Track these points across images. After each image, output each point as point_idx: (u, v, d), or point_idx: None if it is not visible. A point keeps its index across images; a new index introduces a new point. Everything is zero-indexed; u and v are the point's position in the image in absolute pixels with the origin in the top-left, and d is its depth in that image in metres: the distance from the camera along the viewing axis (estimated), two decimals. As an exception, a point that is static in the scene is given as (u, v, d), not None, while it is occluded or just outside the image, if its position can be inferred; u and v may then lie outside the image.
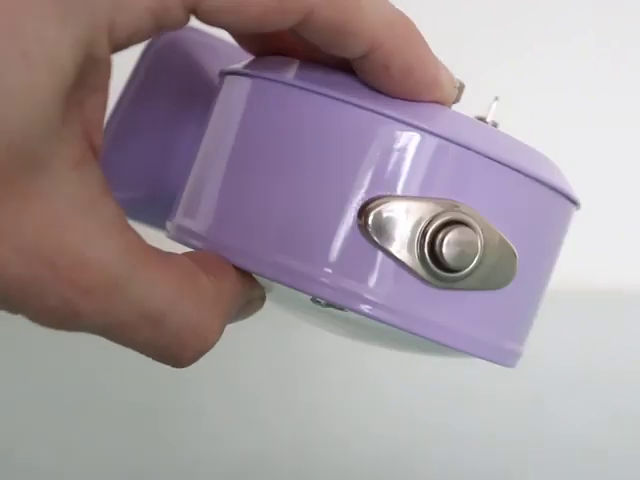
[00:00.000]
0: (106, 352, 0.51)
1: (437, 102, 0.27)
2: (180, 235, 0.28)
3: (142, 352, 0.25)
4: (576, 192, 0.29)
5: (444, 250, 0.25)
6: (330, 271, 0.26)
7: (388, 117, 0.26)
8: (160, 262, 0.24)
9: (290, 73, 0.27)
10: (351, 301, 0.26)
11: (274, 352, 0.59)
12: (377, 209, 0.26)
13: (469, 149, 0.26)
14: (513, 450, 0.49)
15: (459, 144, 0.26)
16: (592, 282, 0.67)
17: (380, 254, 0.26)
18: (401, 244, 0.25)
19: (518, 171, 0.27)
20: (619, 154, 0.65)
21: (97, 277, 0.22)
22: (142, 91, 0.35)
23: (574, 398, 0.54)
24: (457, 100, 0.28)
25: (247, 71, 0.28)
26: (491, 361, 0.28)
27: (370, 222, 0.25)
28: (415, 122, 0.26)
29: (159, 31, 0.23)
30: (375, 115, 0.26)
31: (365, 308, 0.26)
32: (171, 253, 0.25)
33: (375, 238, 0.25)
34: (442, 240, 0.25)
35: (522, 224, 0.27)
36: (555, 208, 0.28)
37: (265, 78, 0.27)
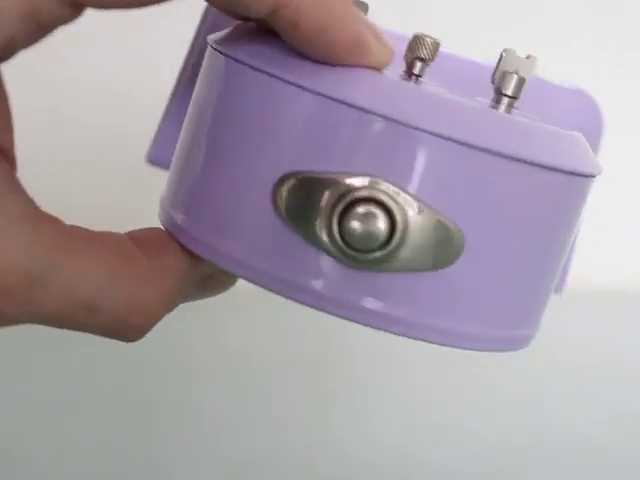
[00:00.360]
0: (106, 352, 0.51)
1: (367, 66, 0.25)
2: (162, 219, 0.28)
3: (87, 332, 0.25)
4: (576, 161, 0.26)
5: (350, 229, 0.24)
6: (249, 253, 0.25)
7: (296, 85, 0.24)
8: (86, 248, 0.24)
9: (239, 45, 0.26)
10: (267, 281, 0.25)
11: (274, 352, 0.59)
12: (289, 186, 0.24)
13: (391, 120, 0.24)
14: (513, 450, 0.49)
15: (381, 115, 0.24)
16: (593, 282, 0.67)
17: (296, 235, 0.24)
18: (314, 223, 0.24)
19: (457, 142, 0.24)
20: (619, 154, 0.65)
21: (10, 278, 0.22)
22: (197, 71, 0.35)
23: (574, 398, 0.54)
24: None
25: (210, 43, 0.27)
26: (426, 341, 0.26)
27: (283, 201, 0.24)
28: (326, 90, 0.24)
29: (49, 30, 0.23)
30: (283, 83, 0.24)
31: (281, 288, 0.25)
32: (104, 234, 0.25)
33: (288, 218, 0.24)
34: (350, 219, 0.24)
35: (470, 200, 0.24)
36: (522, 180, 0.25)
37: (215, 49, 0.26)
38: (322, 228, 0.24)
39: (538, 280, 0.27)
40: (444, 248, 0.24)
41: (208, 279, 0.28)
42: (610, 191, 0.65)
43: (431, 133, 0.24)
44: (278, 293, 0.25)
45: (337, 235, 0.24)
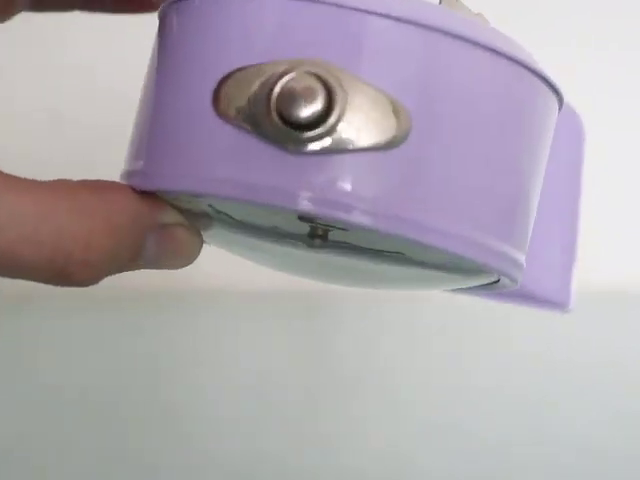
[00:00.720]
0: (107, 352, 0.51)
1: None
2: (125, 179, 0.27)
3: (34, 277, 0.25)
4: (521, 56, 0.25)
5: (289, 109, 0.23)
6: (201, 166, 0.25)
7: None
8: (22, 188, 0.24)
9: None
10: (225, 188, 0.24)
11: (273, 352, 0.59)
12: (227, 89, 0.24)
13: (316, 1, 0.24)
14: (513, 450, 0.49)
15: None
16: (593, 282, 0.67)
17: (246, 135, 0.24)
18: (257, 118, 0.24)
19: (394, 18, 0.24)
20: (619, 154, 0.65)
21: None
22: None
23: (574, 398, 0.54)
24: None
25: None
26: (381, 233, 0.24)
27: (225, 105, 0.24)
28: None
29: None
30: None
31: (239, 193, 0.24)
32: (49, 181, 0.25)
33: (232, 118, 0.24)
34: (288, 100, 0.23)
35: (411, 76, 0.24)
36: (468, 62, 0.25)
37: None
38: (265, 119, 0.24)
39: (506, 184, 0.26)
40: (389, 125, 0.24)
41: (167, 234, 0.27)
42: (610, 191, 0.65)
43: (365, 11, 0.24)
44: (238, 198, 0.24)
45: (278, 120, 0.23)
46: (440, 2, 0.27)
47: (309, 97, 0.23)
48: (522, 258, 0.27)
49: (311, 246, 0.28)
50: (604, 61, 0.64)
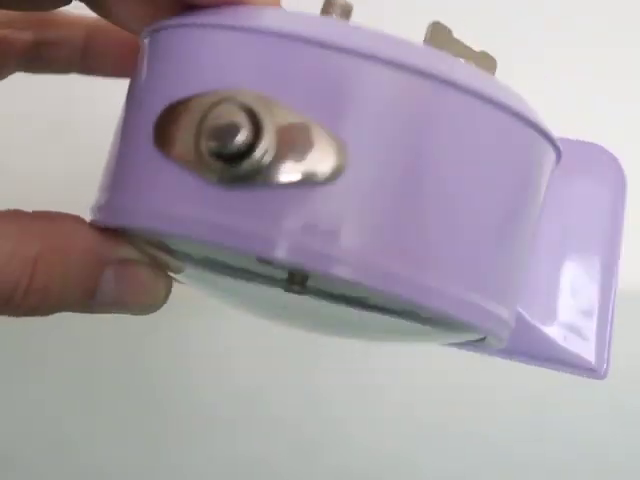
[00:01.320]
0: (107, 352, 0.51)
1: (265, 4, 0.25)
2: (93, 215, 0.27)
3: None
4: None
5: (216, 141, 0.22)
6: (142, 201, 0.24)
7: (155, 30, 0.25)
8: None
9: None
10: (165, 223, 0.23)
11: (273, 353, 0.59)
12: (162, 122, 0.24)
13: (237, 29, 0.23)
14: (513, 450, 0.49)
15: (227, 26, 0.24)
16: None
17: (179, 167, 0.23)
18: (185, 148, 0.23)
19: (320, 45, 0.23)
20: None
21: None
22: None
23: (574, 398, 0.54)
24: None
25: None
26: (310, 270, 0.23)
27: (161, 134, 0.24)
28: (172, 22, 0.25)
29: None
30: (150, 35, 0.26)
31: (177, 227, 0.23)
32: (2, 210, 0.25)
33: (165, 150, 0.24)
34: (211, 130, 0.23)
35: (347, 107, 0.22)
36: (406, 88, 0.23)
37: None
38: (198, 153, 0.23)
39: (489, 238, 0.24)
40: (321, 159, 0.22)
41: (127, 271, 0.26)
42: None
43: (299, 40, 0.23)
44: (182, 235, 0.23)
45: (210, 154, 0.23)
46: (425, 39, 0.25)
47: (234, 130, 0.22)
48: (507, 314, 0.25)
49: (289, 291, 0.26)
50: (602, 64, 0.64)
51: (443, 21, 0.26)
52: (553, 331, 0.28)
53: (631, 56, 0.63)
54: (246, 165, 0.22)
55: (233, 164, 0.22)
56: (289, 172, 0.22)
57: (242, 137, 0.22)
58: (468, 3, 0.66)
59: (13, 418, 0.49)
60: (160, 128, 0.24)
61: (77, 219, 0.26)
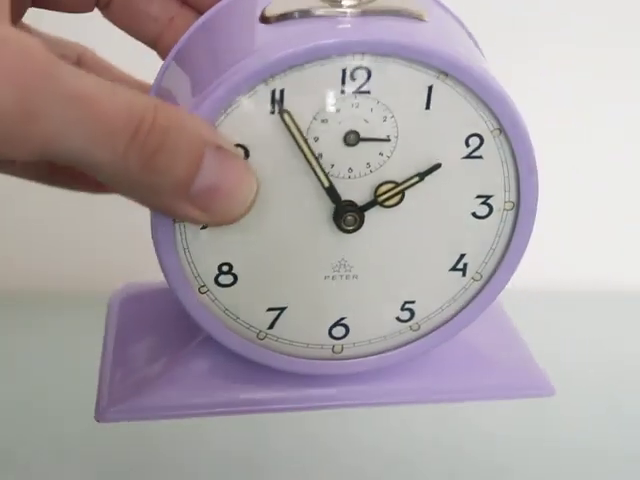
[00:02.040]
0: (102, 350, 0.50)
1: None
2: None
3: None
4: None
5: None
6: None
7: None
8: None
9: None
10: None
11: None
12: None
13: None
14: (513, 450, 0.49)
15: None
16: (593, 282, 0.67)
17: None
18: None
19: None
20: (619, 153, 0.65)
21: None
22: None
23: (574, 398, 0.54)
24: None
25: None
26: None
27: None
28: None
29: None
30: None
31: None
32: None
33: None
34: None
35: None
36: None
37: None
38: None
39: None
40: None
41: (227, 155, 0.26)
42: (608, 190, 0.65)
43: None
44: None
45: None
46: None
47: None
48: None
49: None
50: (602, 64, 0.64)
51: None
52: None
53: (631, 56, 0.63)
54: None
55: None
56: None
57: None
58: (468, 3, 0.66)
59: (13, 418, 0.49)
60: None
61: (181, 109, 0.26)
